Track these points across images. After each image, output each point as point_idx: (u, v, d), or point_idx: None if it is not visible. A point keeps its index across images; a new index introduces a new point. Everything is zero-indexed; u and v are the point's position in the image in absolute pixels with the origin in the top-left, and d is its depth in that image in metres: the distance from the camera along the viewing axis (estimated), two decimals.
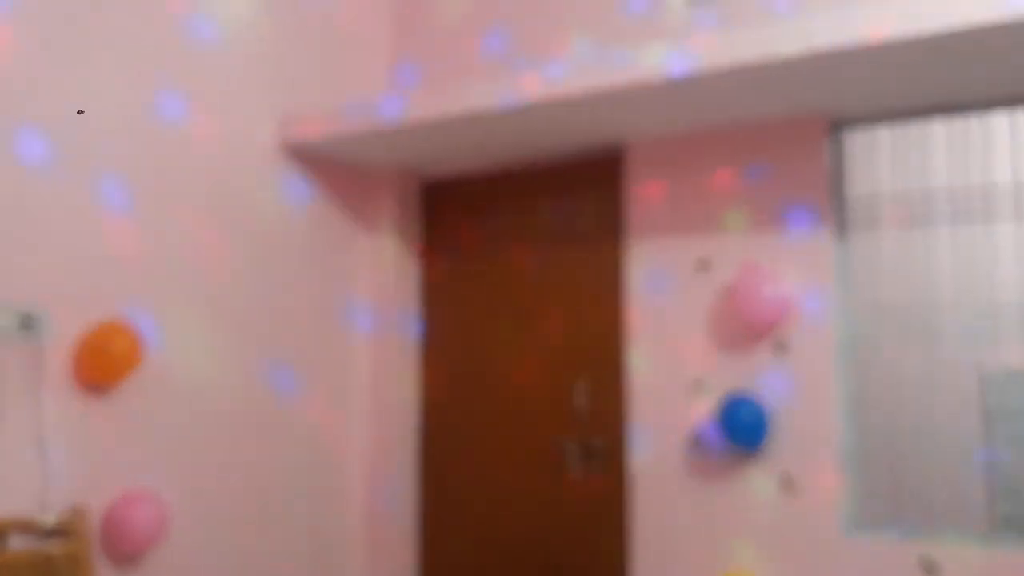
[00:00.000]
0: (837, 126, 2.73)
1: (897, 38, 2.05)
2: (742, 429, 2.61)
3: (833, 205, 2.70)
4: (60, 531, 2.36)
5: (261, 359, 3.03)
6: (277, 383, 3.09)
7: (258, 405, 3.01)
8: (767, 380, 2.71)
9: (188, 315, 2.78)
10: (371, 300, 3.49)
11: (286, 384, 3.13)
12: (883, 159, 2.68)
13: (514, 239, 3.37)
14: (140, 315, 2.63)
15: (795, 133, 2.73)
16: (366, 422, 3.46)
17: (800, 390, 2.66)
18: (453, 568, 3.40)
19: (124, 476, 2.57)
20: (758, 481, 2.71)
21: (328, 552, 3.28)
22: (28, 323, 2.32)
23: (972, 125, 2.56)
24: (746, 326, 2.73)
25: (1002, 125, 2.54)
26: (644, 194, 3.01)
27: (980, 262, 2.51)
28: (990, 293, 2.50)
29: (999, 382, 3.25)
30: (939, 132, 2.61)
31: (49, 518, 2.32)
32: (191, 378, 2.79)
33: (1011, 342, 2.52)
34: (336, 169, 3.37)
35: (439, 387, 3.52)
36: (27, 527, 2.30)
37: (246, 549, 2.95)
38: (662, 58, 2.37)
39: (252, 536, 2.98)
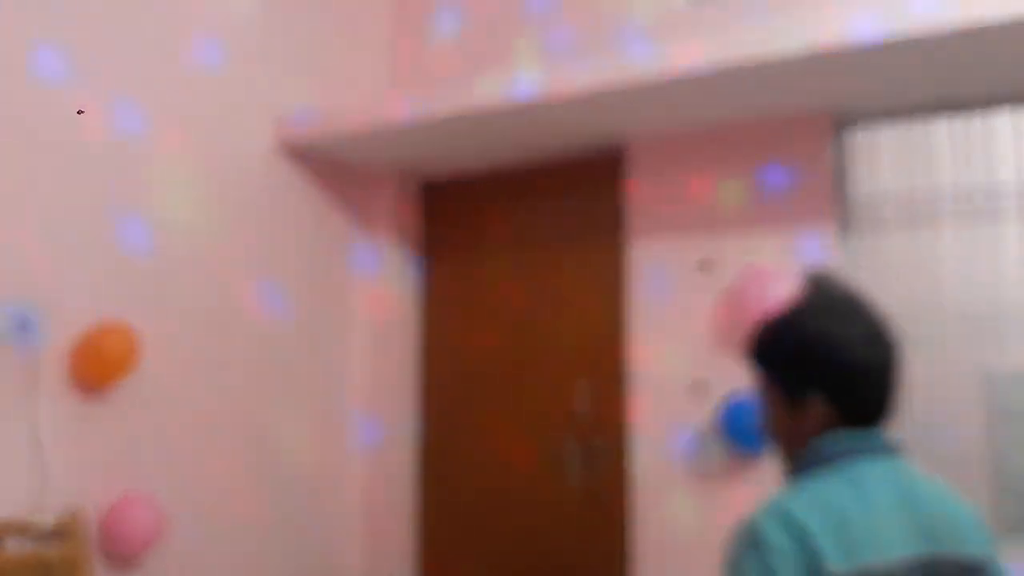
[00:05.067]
0: (841, 125, 2.73)
1: (899, 36, 2.06)
2: (744, 431, 2.61)
3: (837, 204, 2.70)
4: (57, 534, 2.36)
5: (260, 361, 3.04)
6: (277, 383, 3.10)
7: (255, 407, 3.02)
8: None
9: (186, 316, 2.79)
10: (373, 299, 3.50)
11: (287, 383, 3.13)
12: (887, 158, 2.68)
13: (514, 238, 3.38)
14: (138, 315, 2.63)
15: (799, 132, 2.73)
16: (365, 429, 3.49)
17: None
18: (452, 569, 3.41)
19: (121, 479, 2.58)
20: (762, 479, 2.71)
21: (327, 554, 3.30)
22: (24, 324, 2.32)
23: (976, 124, 2.56)
24: (749, 327, 2.72)
25: (1006, 124, 2.54)
26: (645, 193, 3.01)
27: (984, 262, 2.51)
28: (995, 293, 2.49)
29: (1004, 383, 3.24)
30: (943, 131, 2.62)
31: (46, 520, 2.32)
32: (188, 380, 2.80)
33: (1016, 343, 2.51)
34: (335, 169, 3.38)
35: (440, 387, 3.53)
36: (24, 530, 2.30)
37: (243, 549, 2.96)
38: (665, 57, 2.37)
39: (250, 536, 2.99)
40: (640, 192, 3.02)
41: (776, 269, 2.70)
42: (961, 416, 2.69)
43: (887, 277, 2.64)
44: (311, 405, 3.25)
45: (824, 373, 1.14)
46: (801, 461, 1.17)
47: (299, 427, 3.20)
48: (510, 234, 3.39)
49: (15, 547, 2.30)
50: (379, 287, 3.47)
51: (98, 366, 2.41)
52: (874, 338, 1.15)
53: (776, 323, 1.21)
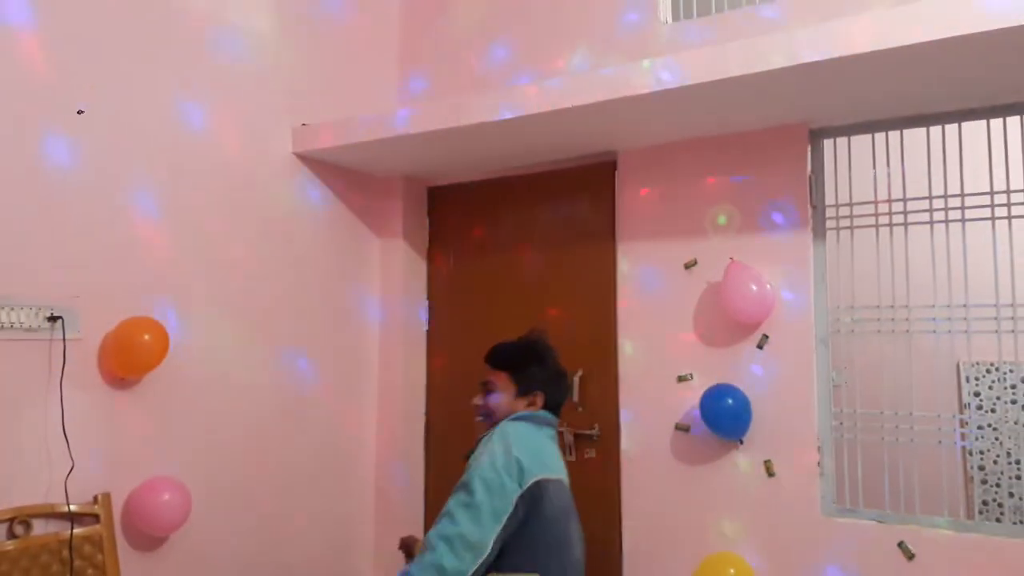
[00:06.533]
0: (817, 135, 2.82)
1: (874, 51, 2.13)
2: (726, 418, 2.71)
3: (813, 208, 2.79)
4: (84, 517, 2.44)
5: (280, 352, 3.13)
6: (295, 374, 3.19)
7: (276, 396, 3.11)
8: (750, 372, 2.81)
9: (210, 311, 2.88)
10: (382, 298, 3.61)
11: (303, 375, 3.23)
12: (859, 165, 2.77)
13: (515, 240, 3.47)
14: (165, 310, 2.69)
15: (777, 141, 2.82)
16: (377, 412, 3.57)
17: (781, 381, 2.75)
18: None
19: (147, 464, 2.64)
20: (741, 466, 2.80)
21: (342, 538, 3.37)
22: (56, 320, 2.40)
23: (945, 134, 2.63)
24: (731, 321, 2.83)
25: (973, 134, 2.63)
26: (636, 198, 3.11)
27: (954, 262, 2.59)
28: (964, 291, 2.57)
29: (971, 373, 3.37)
30: (911, 140, 2.71)
31: (73, 505, 2.40)
32: (213, 371, 2.88)
33: (982, 336, 2.61)
34: (348, 176, 3.47)
35: (444, 378, 3.62)
36: (52, 514, 2.38)
37: (264, 533, 3.04)
38: (653, 72, 2.46)
39: (269, 520, 3.06)
40: (632, 197, 3.12)
41: (755, 268, 2.79)
42: (932, 403, 2.80)
43: (860, 275, 2.73)
44: (331, 390, 3.35)
45: (552, 386, 2.22)
46: (509, 419, 2.13)
47: (318, 414, 3.29)
48: (510, 235, 3.48)
49: (44, 530, 2.36)
50: (390, 282, 3.60)
51: (129, 359, 2.50)
52: (565, 373, 2.29)
53: (526, 350, 2.25)
